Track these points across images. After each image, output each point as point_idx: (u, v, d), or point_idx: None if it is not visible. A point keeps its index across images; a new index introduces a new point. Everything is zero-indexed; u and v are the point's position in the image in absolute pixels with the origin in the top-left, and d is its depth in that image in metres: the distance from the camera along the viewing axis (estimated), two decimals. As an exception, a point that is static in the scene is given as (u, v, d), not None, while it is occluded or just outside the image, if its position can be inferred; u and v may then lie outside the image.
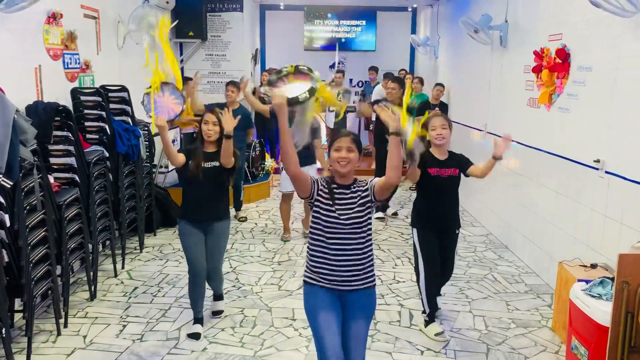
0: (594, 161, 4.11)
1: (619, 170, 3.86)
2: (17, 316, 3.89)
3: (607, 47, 4.05)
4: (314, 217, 2.72)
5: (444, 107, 7.77)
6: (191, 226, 3.86)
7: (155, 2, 7.26)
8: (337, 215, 2.65)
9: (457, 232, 4.04)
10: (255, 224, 6.65)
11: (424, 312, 4.01)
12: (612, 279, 3.20)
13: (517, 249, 5.67)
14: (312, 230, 2.74)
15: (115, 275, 4.95)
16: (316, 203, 2.69)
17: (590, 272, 3.69)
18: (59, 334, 3.86)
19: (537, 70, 5.10)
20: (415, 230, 3.97)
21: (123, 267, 5.15)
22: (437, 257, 3.92)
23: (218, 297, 4.28)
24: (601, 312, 3.15)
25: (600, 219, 4.06)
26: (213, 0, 9.04)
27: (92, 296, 4.45)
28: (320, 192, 2.70)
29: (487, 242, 6.13)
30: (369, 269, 2.73)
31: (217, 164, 3.82)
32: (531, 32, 5.37)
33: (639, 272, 2.92)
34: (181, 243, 3.94)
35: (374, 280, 2.77)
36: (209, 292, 4.21)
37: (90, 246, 4.45)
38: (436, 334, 3.91)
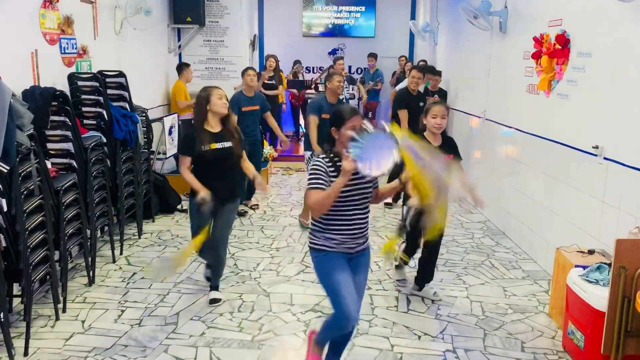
0: (593, 147, 4.11)
1: (618, 156, 3.86)
2: (16, 301, 3.91)
3: (607, 33, 4.03)
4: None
5: (442, 95, 7.73)
6: (213, 201, 3.79)
7: (153, -13, 7.19)
8: (345, 188, 2.78)
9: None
10: (253, 210, 6.65)
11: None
12: (609, 265, 3.21)
13: (514, 236, 5.68)
14: (341, 197, 2.86)
15: (114, 261, 4.95)
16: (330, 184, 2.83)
17: (588, 258, 3.70)
18: (57, 318, 3.87)
19: (536, 56, 5.07)
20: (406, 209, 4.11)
21: (121, 253, 5.15)
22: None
23: (214, 287, 4.27)
24: (598, 297, 3.16)
25: (599, 205, 4.07)
26: (211, -15, 8.97)
27: (91, 281, 4.46)
28: (331, 176, 2.82)
29: (484, 228, 6.14)
30: (367, 231, 3.02)
31: (229, 144, 3.86)
32: (531, 18, 5.34)
33: (636, 257, 2.94)
34: (190, 220, 4.05)
35: (368, 239, 3.07)
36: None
37: (88, 232, 4.44)
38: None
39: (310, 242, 2.99)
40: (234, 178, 4.00)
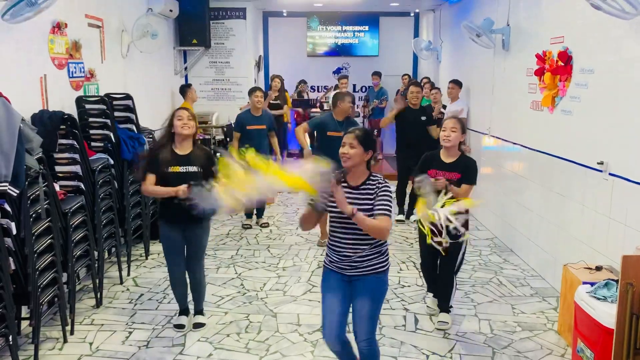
0: (598, 163, 4.11)
1: (623, 172, 3.86)
2: (24, 324, 3.92)
3: (609, 50, 4.05)
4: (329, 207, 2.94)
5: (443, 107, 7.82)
6: (169, 227, 3.87)
7: (159, 10, 7.32)
8: (341, 212, 2.82)
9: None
10: (260, 229, 6.66)
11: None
12: (617, 281, 3.19)
13: (522, 252, 5.66)
14: (330, 218, 2.98)
15: (121, 282, 4.97)
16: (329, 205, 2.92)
17: (595, 275, 3.68)
18: (65, 341, 3.88)
19: (539, 73, 5.10)
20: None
21: (129, 274, 5.17)
22: (428, 253, 4.10)
23: (199, 312, 4.21)
24: (606, 314, 3.14)
25: (605, 221, 4.06)
26: (216, 8, 9.11)
27: (98, 303, 4.47)
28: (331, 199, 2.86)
29: (492, 245, 6.12)
30: (374, 258, 2.94)
31: (194, 169, 3.72)
32: (533, 36, 5.38)
33: (643, 273, 2.91)
34: (162, 247, 4.03)
35: (382, 267, 2.97)
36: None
37: (96, 253, 4.47)
38: (428, 306, 4.39)
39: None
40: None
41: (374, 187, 2.88)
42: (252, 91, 6.42)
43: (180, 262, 3.99)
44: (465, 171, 3.93)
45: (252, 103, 6.33)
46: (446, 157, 3.94)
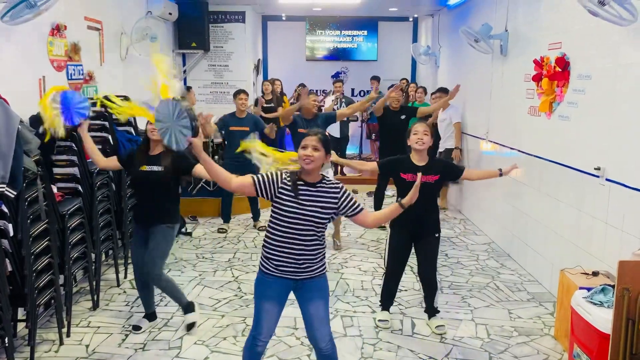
0: (595, 169, 4.12)
1: (620, 177, 3.87)
2: (20, 325, 3.89)
3: (606, 56, 4.07)
4: (273, 209, 2.87)
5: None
6: (137, 227, 3.93)
7: (158, 14, 7.34)
8: (298, 209, 2.80)
9: (436, 235, 4.10)
10: (258, 232, 6.66)
11: (380, 300, 4.35)
12: (614, 287, 3.20)
13: (519, 257, 5.66)
14: (270, 221, 2.90)
15: (118, 285, 4.96)
16: (276, 200, 2.84)
17: (592, 280, 3.69)
18: (61, 343, 3.87)
19: (537, 78, 5.12)
20: (390, 230, 4.15)
21: (126, 277, 5.16)
22: (401, 262, 4.15)
23: (186, 308, 4.11)
24: (603, 319, 3.15)
25: (602, 226, 4.07)
26: (215, 11, 9.13)
27: (95, 305, 4.46)
28: (281, 190, 2.83)
29: (489, 250, 6.12)
30: (320, 260, 2.95)
31: (159, 168, 3.83)
32: (531, 41, 5.41)
33: (639, 279, 2.92)
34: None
35: (325, 269, 3.01)
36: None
37: (93, 255, 4.47)
38: (380, 320, 4.23)
39: (260, 261, 3.01)
40: (160, 202, 3.88)
41: (332, 188, 2.88)
42: (236, 94, 6.47)
43: (138, 262, 3.98)
44: (445, 170, 4.05)
45: (237, 105, 6.38)
46: (418, 161, 3.94)
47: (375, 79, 10.90)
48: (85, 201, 4.39)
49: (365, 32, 11.90)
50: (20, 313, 3.80)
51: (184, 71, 9.10)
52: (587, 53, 4.34)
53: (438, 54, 9.50)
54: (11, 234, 3.28)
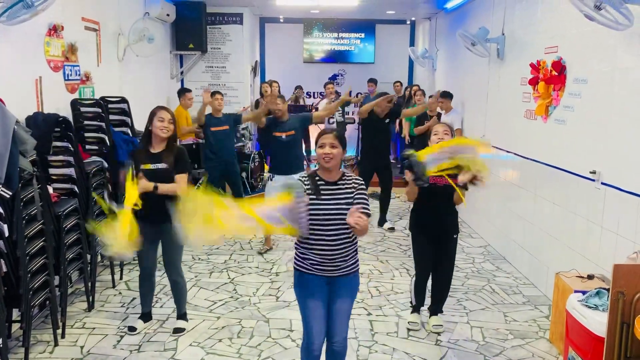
0: (590, 172, 4.14)
1: (615, 181, 3.89)
2: (15, 326, 3.89)
3: (602, 60, 4.09)
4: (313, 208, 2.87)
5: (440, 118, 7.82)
6: (144, 225, 3.74)
7: (156, 15, 7.33)
8: (322, 208, 2.83)
9: (454, 236, 4.12)
10: (254, 235, 6.65)
11: (411, 303, 4.42)
12: (608, 290, 3.21)
13: (515, 260, 5.67)
14: (311, 218, 2.88)
15: (113, 286, 4.95)
16: None
17: (587, 283, 3.70)
18: (56, 344, 3.86)
19: (533, 82, 5.14)
20: (411, 234, 4.19)
21: (121, 278, 5.15)
22: (428, 260, 4.12)
23: (181, 315, 4.19)
24: (597, 322, 3.15)
25: (597, 230, 4.08)
26: (213, 13, 9.13)
27: (90, 306, 4.45)
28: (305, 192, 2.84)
29: (485, 253, 6.13)
30: (352, 257, 2.98)
31: (164, 165, 3.81)
32: (527, 45, 5.42)
33: (634, 282, 2.93)
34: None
35: (358, 266, 3.04)
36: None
37: (88, 257, 4.46)
38: (410, 322, 4.25)
39: (294, 261, 3.05)
40: (168, 200, 3.75)
41: (351, 183, 2.92)
42: (212, 94, 6.43)
43: (148, 256, 3.98)
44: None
45: (213, 106, 6.36)
46: None
47: (373, 81, 10.92)
48: (81, 202, 4.37)
49: (363, 35, 11.92)
50: (15, 314, 3.79)
51: (181, 72, 9.09)
52: (584, 57, 4.36)
53: (435, 57, 9.53)
54: (6, 234, 3.28)
